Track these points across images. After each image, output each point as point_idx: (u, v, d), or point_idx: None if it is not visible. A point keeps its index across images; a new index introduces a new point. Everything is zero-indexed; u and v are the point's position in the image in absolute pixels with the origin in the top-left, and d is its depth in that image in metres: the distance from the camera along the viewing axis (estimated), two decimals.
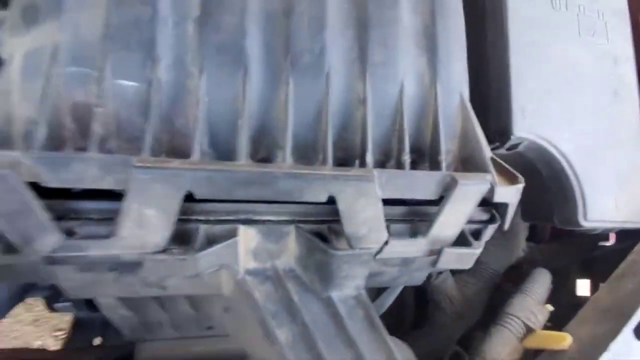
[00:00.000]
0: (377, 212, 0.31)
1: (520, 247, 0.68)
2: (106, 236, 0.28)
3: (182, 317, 0.48)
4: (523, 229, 0.69)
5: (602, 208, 0.46)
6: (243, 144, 0.31)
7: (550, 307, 0.47)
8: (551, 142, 0.45)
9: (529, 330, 0.45)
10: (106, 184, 0.28)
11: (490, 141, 0.41)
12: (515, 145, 0.46)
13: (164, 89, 0.30)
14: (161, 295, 0.40)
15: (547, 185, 0.49)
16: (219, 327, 0.53)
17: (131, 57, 0.30)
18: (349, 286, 0.34)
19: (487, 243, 0.73)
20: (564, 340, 0.38)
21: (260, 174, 0.29)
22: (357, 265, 0.33)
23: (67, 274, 0.34)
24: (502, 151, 0.47)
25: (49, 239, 0.28)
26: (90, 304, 1.08)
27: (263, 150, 0.33)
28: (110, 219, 0.29)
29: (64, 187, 0.27)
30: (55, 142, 0.29)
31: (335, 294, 0.34)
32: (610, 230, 0.48)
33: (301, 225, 0.33)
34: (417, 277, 0.45)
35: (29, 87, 0.29)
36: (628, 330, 0.37)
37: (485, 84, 0.49)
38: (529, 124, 0.45)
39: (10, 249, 0.28)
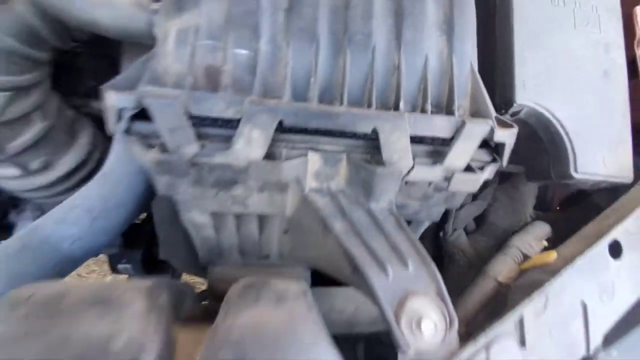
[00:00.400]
0: (407, 143, 0.44)
1: (528, 212, 0.78)
2: (226, 149, 0.43)
3: (249, 241, 0.63)
4: (530, 196, 0.79)
5: (591, 163, 0.57)
6: (314, 95, 0.45)
7: (545, 243, 0.58)
8: (548, 109, 0.57)
9: (526, 257, 0.55)
10: (229, 113, 0.42)
11: (496, 109, 0.53)
12: (517, 112, 0.58)
13: (264, 56, 0.45)
14: (242, 212, 0.54)
15: (545, 148, 0.61)
16: (274, 257, 0.67)
17: (244, 34, 0.45)
18: (384, 200, 0.47)
19: (497, 207, 0.84)
20: (550, 255, 0.49)
21: (328, 110, 0.43)
22: (390, 182, 0.46)
23: (184, 188, 0.50)
24: (507, 117, 0.59)
25: (192, 148, 0.43)
26: (146, 267, 1.26)
27: (326, 101, 0.47)
28: (226, 141, 0.44)
29: (202, 115, 0.43)
30: (194, 89, 0.44)
31: (373, 205, 0.47)
32: (598, 183, 0.58)
33: (351, 154, 0.47)
34: (435, 213, 0.57)
35: (179, 53, 0.45)
36: (604, 244, 0.47)
37: (493, 67, 0.61)
38: (529, 94, 0.56)
39: (166, 150, 0.43)
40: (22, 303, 0.33)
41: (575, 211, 0.81)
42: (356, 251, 0.43)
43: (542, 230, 0.61)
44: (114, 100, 0.40)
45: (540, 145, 0.61)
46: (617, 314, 0.50)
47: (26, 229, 0.53)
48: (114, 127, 0.42)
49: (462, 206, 0.83)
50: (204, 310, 0.56)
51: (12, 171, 0.63)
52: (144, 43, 0.48)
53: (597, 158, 0.57)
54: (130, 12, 0.46)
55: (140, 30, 0.47)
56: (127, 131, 0.43)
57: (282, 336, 0.32)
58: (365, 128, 0.44)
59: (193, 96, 0.42)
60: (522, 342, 0.44)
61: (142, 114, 0.42)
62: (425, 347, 0.39)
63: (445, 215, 0.83)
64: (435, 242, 0.82)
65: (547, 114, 0.56)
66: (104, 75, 0.54)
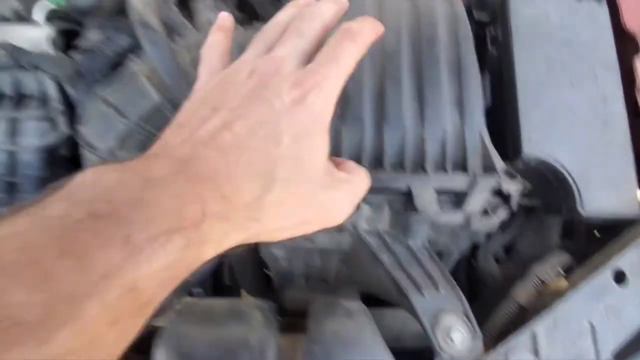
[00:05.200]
0: (433, 197, 0.60)
1: (553, 241, 0.87)
2: None
3: (313, 270, 0.80)
4: (554, 228, 0.88)
5: (597, 201, 0.67)
6: (365, 163, 0.63)
7: (561, 270, 0.68)
8: (552, 156, 0.69)
9: (543, 283, 0.66)
10: None
11: (509, 158, 0.67)
12: (527, 161, 0.71)
13: None
14: (310, 247, 0.72)
15: (556, 188, 0.72)
16: (332, 283, 0.83)
17: None
18: (419, 238, 0.62)
19: (523, 238, 0.95)
20: (561, 283, 0.60)
21: (375, 174, 0.60)
22: (422, 225, 0.61)
23: None
24: (519, 164, 0.72)
25: None
26: (215, 292, 1.46)
27: (372, 167, 0.64)
28: None
29: None
30: None
31: (411, 242, 0.63)
32: (606, 219, 0.68)
33: (392, 204, 0.63)
34: (462, 246, 0.71)
35: None
36: (608, 271, 0.57)
37: (504, 123, 0.75)
38: (534, 146, 0.69)
39: None
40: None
41: (601, 241, 0.89)
42: (400, 278, 0.58)
43: (559, 259, 0.71)
44: None
45: (551, 185, 0.73)
46: (625, 334, 0.59)
47: None
48: None
49: (491, 237, 0.94)
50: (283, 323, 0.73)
51: None
52: None
53: (602, 196, 0.67)
54: None
55: None
56: None
57: (355, 339, 0.48)
58: (402, 186, 0.60)
59: None
60: (536, 353, 0.55)
61: None
62: (457, 353, 0.53)
63: (478, 245, 0.95)
64: (468, 269, 0.94)
65: (552, 161, 0.69)
66: None
